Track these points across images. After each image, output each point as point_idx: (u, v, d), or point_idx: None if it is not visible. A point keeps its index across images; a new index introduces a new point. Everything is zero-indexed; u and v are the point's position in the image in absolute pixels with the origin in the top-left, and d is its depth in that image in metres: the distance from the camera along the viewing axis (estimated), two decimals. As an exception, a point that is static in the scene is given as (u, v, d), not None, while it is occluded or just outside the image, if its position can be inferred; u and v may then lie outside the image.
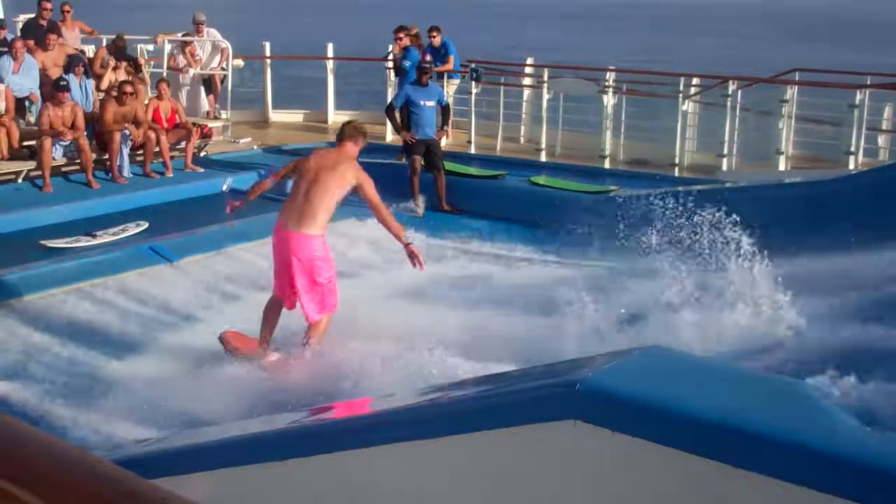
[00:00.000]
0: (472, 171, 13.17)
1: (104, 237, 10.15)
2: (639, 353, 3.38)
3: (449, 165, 12.66)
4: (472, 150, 14.82)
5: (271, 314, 7.93)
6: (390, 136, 15.26)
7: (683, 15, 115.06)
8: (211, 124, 14.42)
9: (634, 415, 2.96)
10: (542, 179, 12.70)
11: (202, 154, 13.81)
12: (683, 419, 2.87)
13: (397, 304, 9.20)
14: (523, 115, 16.24)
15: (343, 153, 7.88)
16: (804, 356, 6.24)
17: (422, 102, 12.22)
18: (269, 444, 4.08)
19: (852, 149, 13.12)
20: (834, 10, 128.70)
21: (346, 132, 7.96)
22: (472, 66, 15.41)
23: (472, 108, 15.18)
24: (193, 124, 13.53)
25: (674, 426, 2.89)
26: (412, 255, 7.78)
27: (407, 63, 13.97)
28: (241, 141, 14.90)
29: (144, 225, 10.68)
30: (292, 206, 7.72)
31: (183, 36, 15.42)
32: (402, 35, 14.28)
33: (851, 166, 12.86)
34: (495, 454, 3.29)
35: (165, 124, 12.85)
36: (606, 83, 14.68)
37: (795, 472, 2.71)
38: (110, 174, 12.20)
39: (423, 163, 12.16)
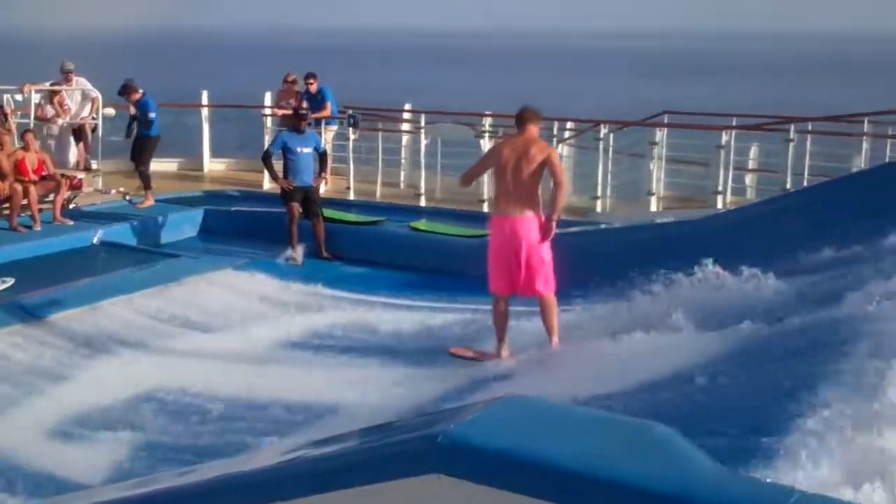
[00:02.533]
0: (352, 217, 13.14)
1: (-33, 295, 9.75)
2: (501, 403, 3.38)
3: (328, 212, 12.60)
4: (352, 196, 14.80)
5: (500, 315, 8.44)
6: (267, 184, 15.14)
7: (546, 54, 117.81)
8: (81, 175, 14.05)
9: (496, 466, 2.95)
10: (422, 224, 12.73)
11: (72, 206, 13.43)
12: (545, 468, 2.87)
13: (275, 356, 9.06)
14: (402, 161, 16.31)
15: (530, 137, 8.38)
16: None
17: (299, 149, 12.15)
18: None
19: (720, 188, 13.56)
20: (693, 50, 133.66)
21: (526, 117, 8.43)
22: (350, 112, 15.45)
23: (351, 154, 15.18)
24: (63, 175, 13.16)
25: (535, 476, 2.88)
26: (546, 230, 8.18)
27: (152, 115, 13.93)
28: (112, 192, 14.54)
29: (10, 281, 10.30)
30: (507, 195, 8.24)
31: (51, 85, 15.03)
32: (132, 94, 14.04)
33: (720, 205, 13.27)
34: (359, 513, 3.23)
35: (33, 175, 12.45)
36: (483, 128, 14.87)
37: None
38: (-26, 229, 11.76)
39: (301, 210, 12.07)
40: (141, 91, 14.03)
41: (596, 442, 3.03)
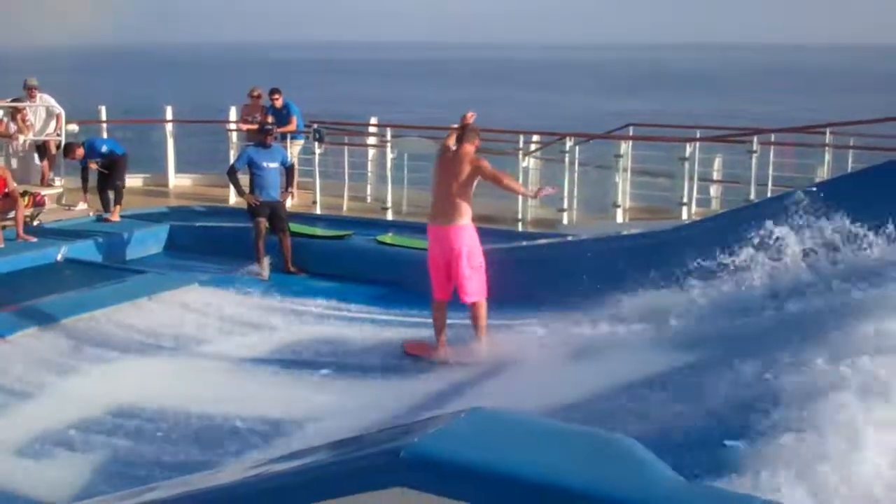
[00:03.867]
0: (318, 231, 13.10)
1: (-71, 314, 9.62)
2: (464, 416, 3.39)
3: (294, 226, 12.56)
4: (318, 211, 14.77)
5: (439, 316, 9.07)
6: (233, 199, 15.09)
7: (511, 66, 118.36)
8: (44, 192, 13.94)
9: (458, 479, 2.96)
10: (388, 238, 12.72)
11: (35, 223, 13.32)
12: (506, 481, 2.88)
13: (241, 371, 9.02)
14: (369, 174, 16.33)
15: (461, 152, 8.94)
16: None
17: (265, 164, 12.10)
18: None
19: (685, 199, 13.67)
20: (656, 63, 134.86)
21: (465, 135, 9.03)
22: (315, 126, 15.45)
23: (317, 169, 15.16)
24: (25, 192, 13.04)
25: (497, 488, 2.89)
26: (540, 193, 9.40)
27: (104, 149, 14.08)
28: (76, 208, 14.45)
29: (-27, 299, 10.18)
30: (437, 206, 8.98)
31: (14, 101, 14.93)
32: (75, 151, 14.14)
33: (685, 216, 13.38)
34: (323, 527, 3.23)
35: (-6, 192, 12.35)
36: (449, 141, 14.88)
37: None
38: (-65, 247, 11.63)
39: (267, 225, 12.04)
40: (81, 145, 14.08)
41: (558, 454, 3.05)
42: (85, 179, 14.20)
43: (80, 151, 13.88)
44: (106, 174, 13.96)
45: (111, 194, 13.97)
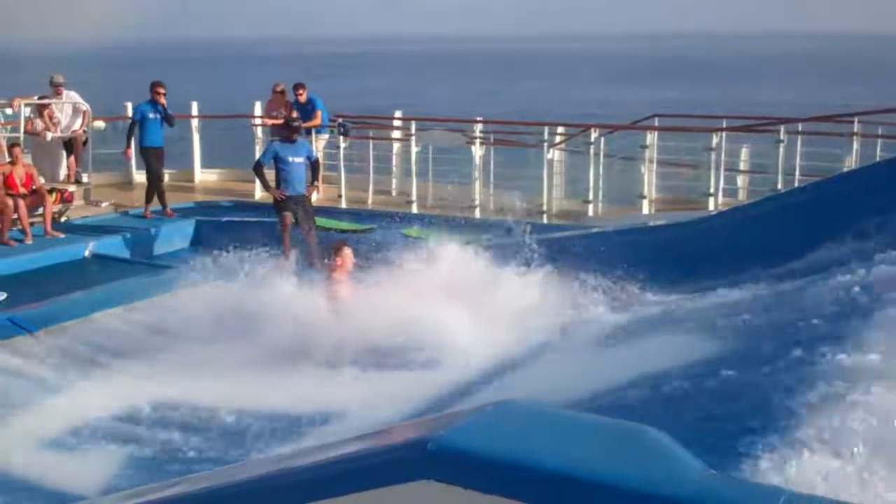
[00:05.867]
0: (343, 225, 13.11)
1: (-40, 311, 9.70)
2: (491, 409, 3.38)
3: (320, 220, 12.58)
4: (343, 205, 14.77)
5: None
6: (259, 194, 15.13)
7: (535, 58, 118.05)
8: (71, 188, 14.03)
9: (485, 472, 2.95)
10: (414, 231, 12.70)
11: (63, 219, 13.41)
12: (533, 473, 2.87)
13: (267, 365, 9.04)
14: (394, 168, 16.31)
15: None
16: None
17: (290, 159, 12.10)
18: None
19: (712, 190, 13.56)
20: (681, 52, 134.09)
21: None
22: (340, 120, 15.45)
23: (342, 163, 15.16)
24: (53, 189, 13.12)
25: (524, 481, 2.88)
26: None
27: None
28: (103, 204, 14.53)
29: (3, 295, 10.27)
30: None
31: (41, 98, 15.00)
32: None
33: (711, 207, 13.28)
34: (350, 520, 3.22)
35: (22, 189, 12.41)
36: (474, 134, 14.87)
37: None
38: (-35, 244, 11.73)
39: (293, 219, 12.04)
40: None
41: (585, 446, 3.03)
42: (129, 137, 14.12)
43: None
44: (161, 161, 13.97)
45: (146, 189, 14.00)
